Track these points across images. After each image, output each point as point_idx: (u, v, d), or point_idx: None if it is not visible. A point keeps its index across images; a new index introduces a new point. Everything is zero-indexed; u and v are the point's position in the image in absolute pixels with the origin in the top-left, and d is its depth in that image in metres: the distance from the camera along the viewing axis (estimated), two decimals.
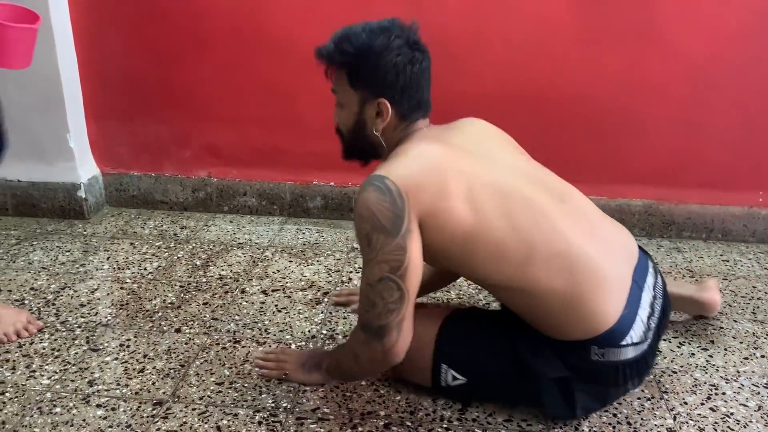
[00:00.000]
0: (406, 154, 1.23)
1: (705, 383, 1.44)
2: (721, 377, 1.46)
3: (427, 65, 1.29)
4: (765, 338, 1.62)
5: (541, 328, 1.26)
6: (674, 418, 1.33)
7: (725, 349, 1.57)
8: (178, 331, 1.64)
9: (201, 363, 1.51)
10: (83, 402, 1.36)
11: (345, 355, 1.35)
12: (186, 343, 1.59)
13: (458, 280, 1.79)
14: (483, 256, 1.21)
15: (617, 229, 1.38)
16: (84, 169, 2.37)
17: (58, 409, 1.34)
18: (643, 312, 1.27)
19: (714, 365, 1.51)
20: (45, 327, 1.64)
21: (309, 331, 1.64)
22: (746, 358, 1.53)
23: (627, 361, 1.24)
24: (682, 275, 1.95)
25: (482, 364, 1.32)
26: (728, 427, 1.30)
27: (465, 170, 1.21)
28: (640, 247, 1.41)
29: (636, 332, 1.24)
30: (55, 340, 1.60)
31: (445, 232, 1.19)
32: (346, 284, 1.90)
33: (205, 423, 1.30)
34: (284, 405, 1.36)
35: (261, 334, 1.63)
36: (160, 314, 1.72)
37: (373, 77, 1.25)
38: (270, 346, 1.57)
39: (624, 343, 1.22)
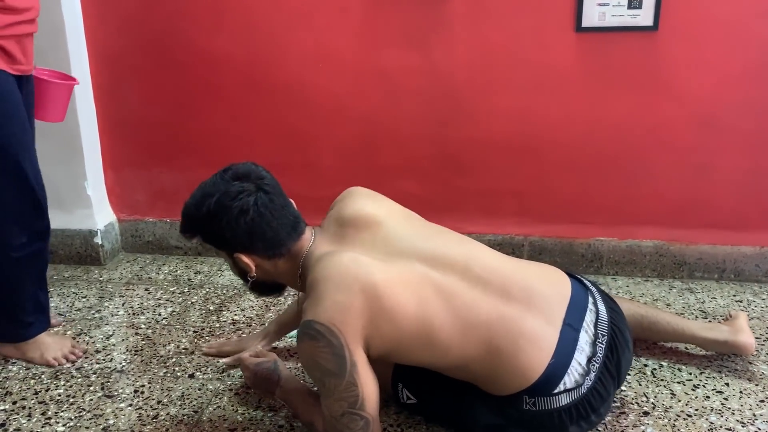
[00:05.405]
0: (317, 285, 1.21)
1: (721, 427, 1.42)
2: (737, 420, 1.44)
3: (264, 201, 1.26)
4: None
5: (475, 384, 1.31)
6: None
7: (741, 392, 1.55)
8: (191, 376, 1.65)
9: (214, 409, 1.51)
10: None
11: (311, 418, 1.37)
12: (199, 389, 1.60)
13: None
14: (419, 345, 1.25)
15: (540, 273, 1.38)
16: (101, 216, 2.42)
17: None
18: (581, 355, 1.27)
19: (729, 408, 1.49)
20: (64, 368, 1.66)
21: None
22: (762, 401, 1.52)
23: (563, 407, 1.25)
24: (695, 316, 1.94)
25: (430, 391, 1.38)
26: None
27: (381, 268, 1.21)
28: (579, 281, 1.41)
29: (571, 378, 1.25)
30: (71, 386, 1.61)
31: (397, 326, 1.20)
32: None
33: None
34: None
35: None
36: (174, 360, 1.73)
37: (216, 240, 1.30)
38: None
39: (556, 391, 1.24)
